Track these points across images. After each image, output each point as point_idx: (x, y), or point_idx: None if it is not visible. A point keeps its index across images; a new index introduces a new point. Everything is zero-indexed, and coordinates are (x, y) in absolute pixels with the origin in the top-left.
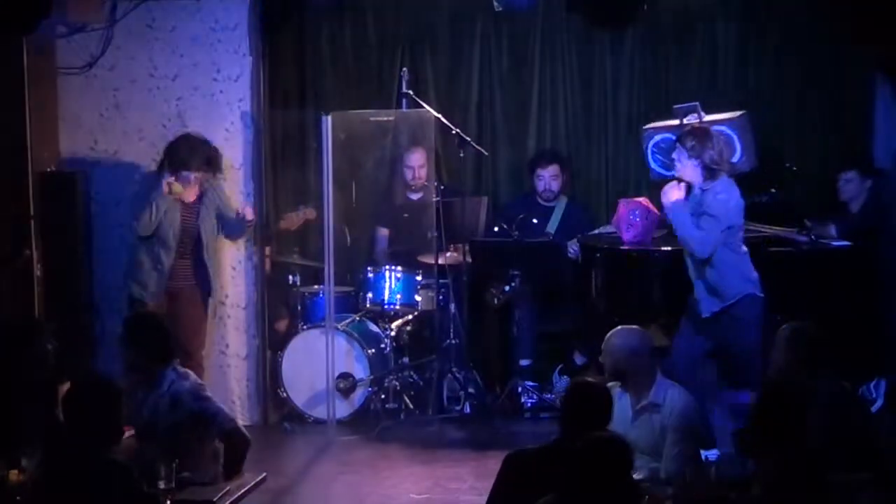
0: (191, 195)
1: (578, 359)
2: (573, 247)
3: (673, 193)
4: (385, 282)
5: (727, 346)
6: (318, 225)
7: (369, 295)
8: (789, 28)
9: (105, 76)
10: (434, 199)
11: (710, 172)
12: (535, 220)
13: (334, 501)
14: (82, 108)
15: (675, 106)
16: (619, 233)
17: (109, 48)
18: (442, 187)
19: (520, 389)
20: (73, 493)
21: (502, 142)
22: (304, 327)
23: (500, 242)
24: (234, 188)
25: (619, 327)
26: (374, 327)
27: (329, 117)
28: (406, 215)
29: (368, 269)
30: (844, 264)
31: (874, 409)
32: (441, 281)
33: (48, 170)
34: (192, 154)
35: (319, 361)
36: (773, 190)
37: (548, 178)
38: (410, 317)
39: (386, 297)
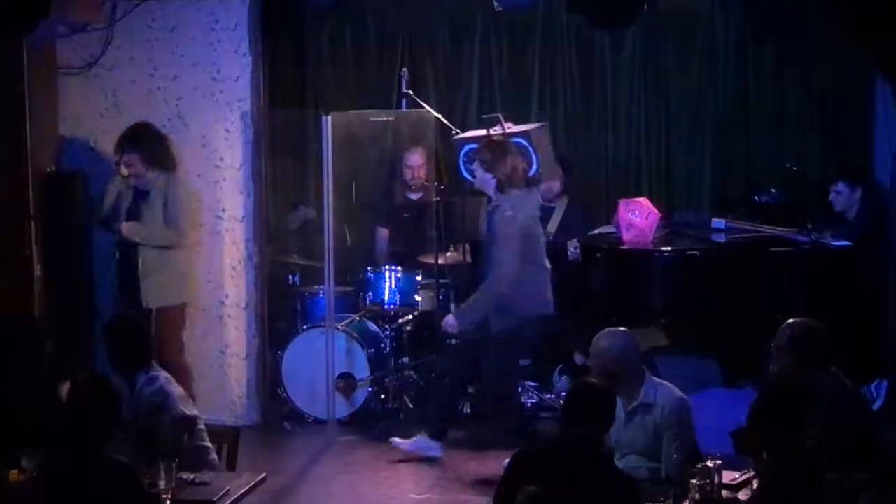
0: (137, 175)
1: (578, 359)
2: (573, 247)
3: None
4: (385, 282)
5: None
6: (318, 225)
7: (369, 295)
8: (789, 28)
9: (105, 76)
10: (434, 199)
11: (501, 186)
12: None
13: (334, 501)
14: (82, 108)
15: (482, 116)
16: (619, 233)
17: (109, 48)
18: (442, 187)
19: (520, 389)
20: (73, 493)
21: None
22: (304, 327)
23: None
24: (234, 188)
25: (606, 329)
26: (374, 327)
27: (329, 117)
28: (406, 215)
29: (368, 269)
30: (845, 264)
31: (874, 408)
32: (441, 281)
33: (48, 170)
34: (132, 138)
35: (319, 361)
36: (773, 190)
37: None
38: (410, 317)
39: (386, 297)
